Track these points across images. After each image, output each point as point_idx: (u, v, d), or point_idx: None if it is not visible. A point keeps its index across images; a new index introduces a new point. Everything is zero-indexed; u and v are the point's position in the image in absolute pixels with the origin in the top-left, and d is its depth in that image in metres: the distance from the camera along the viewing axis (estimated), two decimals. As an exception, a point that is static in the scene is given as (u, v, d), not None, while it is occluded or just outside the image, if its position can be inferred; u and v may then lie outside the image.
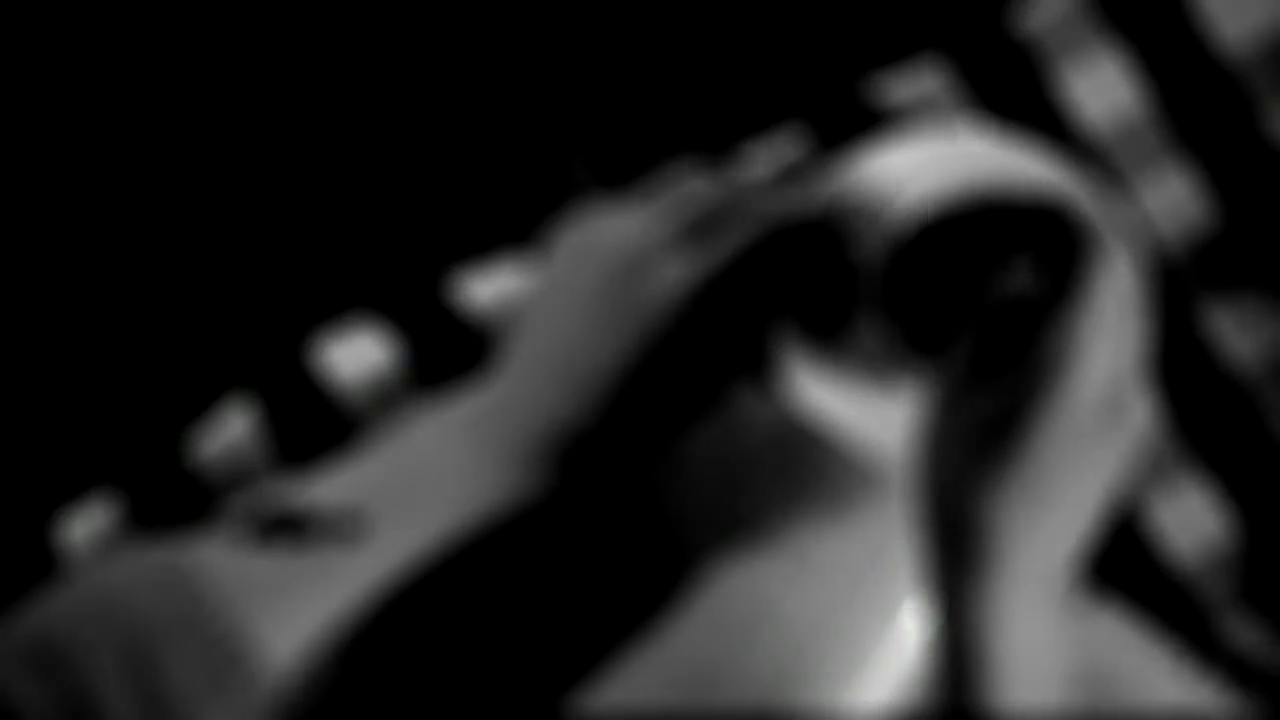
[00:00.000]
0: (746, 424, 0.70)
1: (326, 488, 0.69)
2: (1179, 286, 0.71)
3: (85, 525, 0.72)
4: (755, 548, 0.69)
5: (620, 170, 0.72)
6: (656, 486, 0.69)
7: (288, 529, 0.69)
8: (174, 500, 0.71)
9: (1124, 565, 0.70)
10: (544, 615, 0.68)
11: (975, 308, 0.67)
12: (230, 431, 0.72)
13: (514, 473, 0.67)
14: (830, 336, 0.70)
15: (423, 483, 0.69)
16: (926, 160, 0.71)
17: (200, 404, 0.73)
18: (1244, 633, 0.69)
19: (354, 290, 0.73)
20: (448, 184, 0.74)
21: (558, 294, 0.67)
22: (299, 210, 0.74)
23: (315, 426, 0.72)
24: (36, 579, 0.70)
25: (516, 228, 0.73)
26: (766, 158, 0.72)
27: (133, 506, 0.72)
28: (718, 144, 0.73)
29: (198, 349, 0.74)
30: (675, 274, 0.66)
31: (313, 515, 0.69)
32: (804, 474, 0.69)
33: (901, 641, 0.67)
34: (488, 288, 0.72)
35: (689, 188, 0.67)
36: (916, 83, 0.73)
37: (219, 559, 0.68)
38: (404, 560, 0.67)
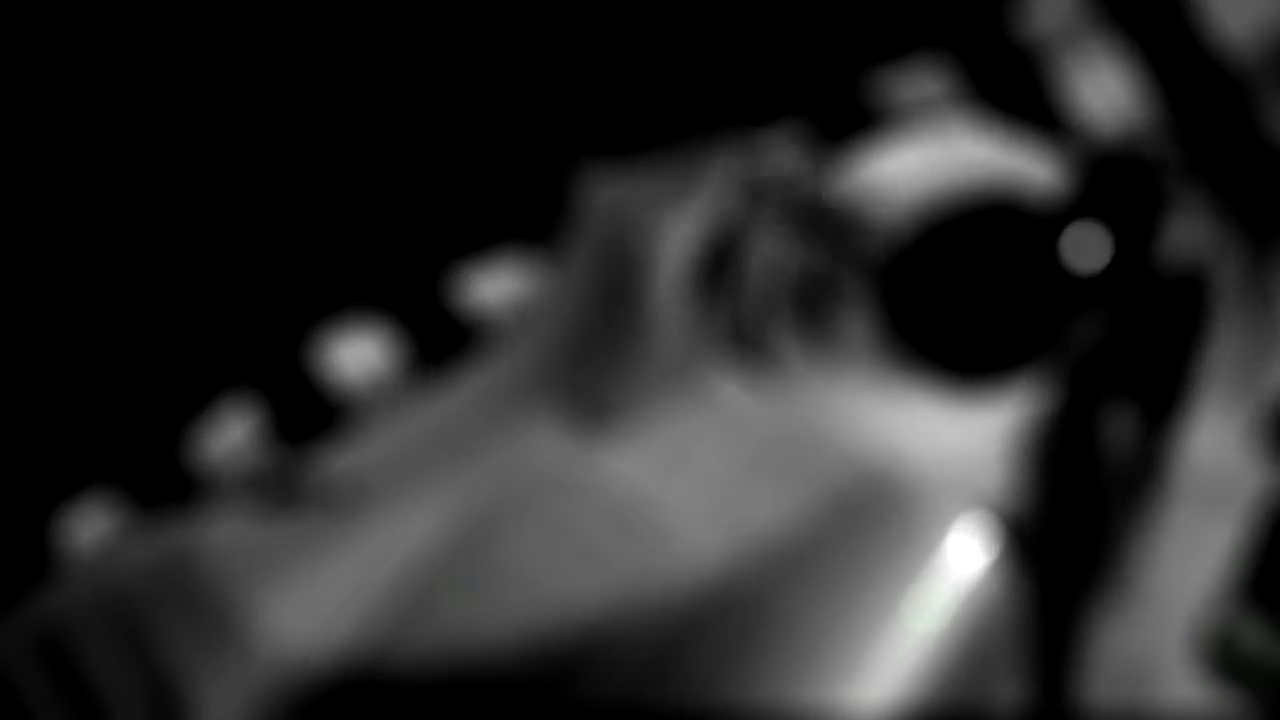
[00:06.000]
0: (747, 423, 0.70)
1: (329, 460, 0.69)
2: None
3: (85, 525, 0.71)
4: (755, 547, 0.69)
5: (620, 167, 0.72)
6: (655, 485, 0.69)
7: (288, 497, 0.69)
8: (174, 500, 0.71)
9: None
10: (544, 607, 0.68)
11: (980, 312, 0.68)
12: (230, 431, 0.72)
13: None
14: (825, 337, 0.70)
15: (429, 454, 0.69)
16: (923, 162, 0.71)
17: (200, 404, 0.73)
18: (1244, 631, 0.69)
19: (354, 289, 0.73)
20: (450, 181, 0.74)
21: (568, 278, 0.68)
22: (299, 209, 0.74)
23: (316, 426, 0.72)
24: (36, 579, 0.70)
25: (520, 225, 0.73)
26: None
27: (133, 506, 0.72)
28: (717, 141, 0.73)
29: (198, 348, 0.73)
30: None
31: (314, 483, 0.69)
32: (805, 473, 0.69)
33: (904, 639, 0.67)
34: (491, 286, 0.72)
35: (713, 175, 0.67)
36: (916, 82, 0.73)
37: (217, 531, 0.68)
38: (410, 530, 0.67)
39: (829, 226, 0.69)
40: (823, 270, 0.70)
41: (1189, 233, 0.66)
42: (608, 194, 0.69)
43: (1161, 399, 0.66)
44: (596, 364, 0.68)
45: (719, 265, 0.68)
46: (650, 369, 0.67)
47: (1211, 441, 0.66)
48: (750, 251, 0.68)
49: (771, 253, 0.69)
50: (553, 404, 0.68)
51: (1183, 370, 0.66)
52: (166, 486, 0.72)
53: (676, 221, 0.67)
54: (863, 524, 0.68)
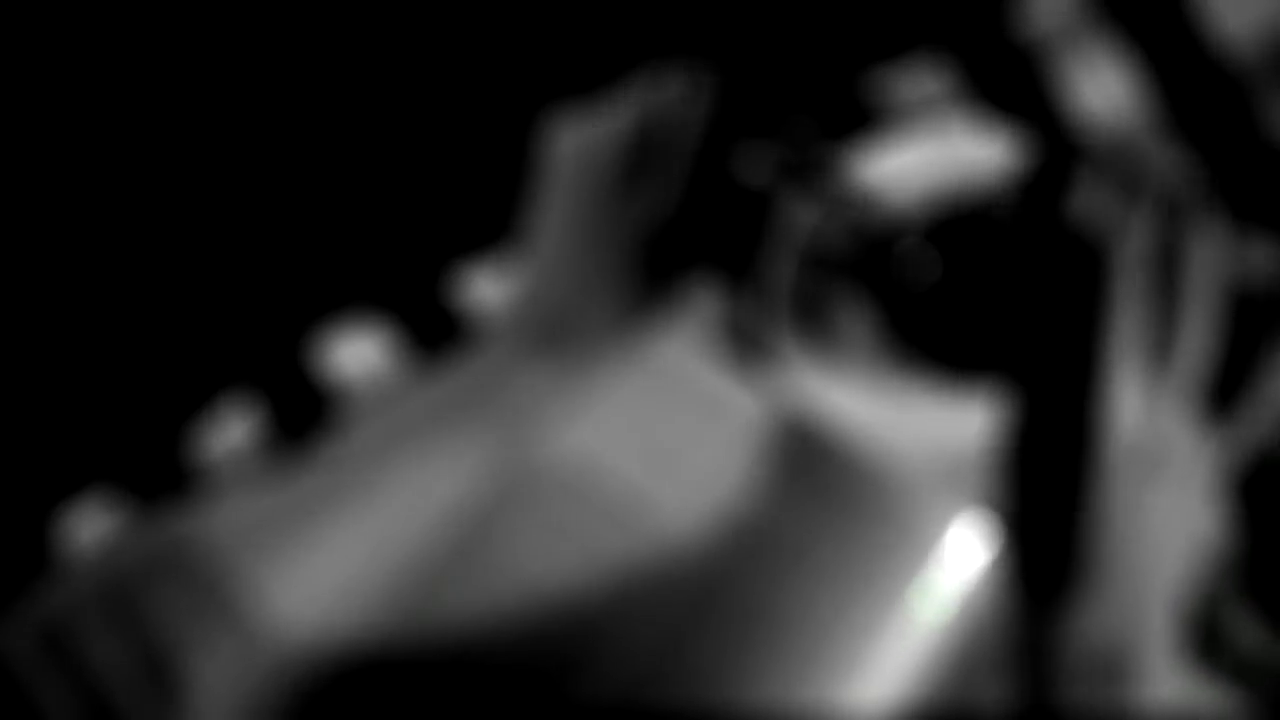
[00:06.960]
0: (747, 422, 0.70)
1: (328, 451, 0.69)
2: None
3: (85, 525, 0.72)
4: (755, 546, 0.69)
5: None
6: (652, 484, 0.69)
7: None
8: (174, 500, 0.71)
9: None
10: (540, 601, 0.68)
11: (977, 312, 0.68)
12: (230, 431, 0.72)
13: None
14: (824, 335, 0.70)
15: (428, 432, 0.69)
16: (923, 161, 0.71)
17: (200, 404, 0.73)
18: (1244, 632, 0.69)
19: (354, 288, 0.73)
20: (450, 180, 0.74)
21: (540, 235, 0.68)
22: (298, 208, 0.74)
23: (316, 426, 0.72)
24: (36, 579, 0.70)
25: (521, 224, 0.73)
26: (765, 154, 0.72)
27: (133, 505, 0.72)
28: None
29: (198, 348, 0.73)
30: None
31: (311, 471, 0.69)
32: (805, 472, 0.69)
33: (903, 637, 0.67)
34: (492, 285, 0.72)
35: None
36: (916, 82, 0.73)
37: (216, 517, 0.68)
38: (413, 517, 0.67)
39: (846, 214, 0.69)
40: (835, 255, 0.70)
41: (1094, 202, 0.66)
42: (571, 137, 0.69)
43: (1073, 367, 0.66)
44: (574, 300, 0.68)
45: (639, 167, 0.68)
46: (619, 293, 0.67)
47: (1134, 410, 0.66)
48: (786, 224, 0.68)
49: (806, 224, 0.69)
50: (536, 349, 0.68)
51: (1090, 337, 0.66)
52: (166, 485, 0.72)
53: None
54: (861, 522, 0.68)
